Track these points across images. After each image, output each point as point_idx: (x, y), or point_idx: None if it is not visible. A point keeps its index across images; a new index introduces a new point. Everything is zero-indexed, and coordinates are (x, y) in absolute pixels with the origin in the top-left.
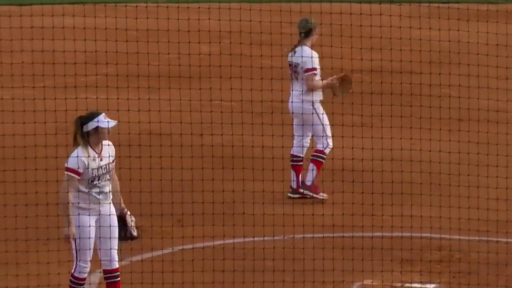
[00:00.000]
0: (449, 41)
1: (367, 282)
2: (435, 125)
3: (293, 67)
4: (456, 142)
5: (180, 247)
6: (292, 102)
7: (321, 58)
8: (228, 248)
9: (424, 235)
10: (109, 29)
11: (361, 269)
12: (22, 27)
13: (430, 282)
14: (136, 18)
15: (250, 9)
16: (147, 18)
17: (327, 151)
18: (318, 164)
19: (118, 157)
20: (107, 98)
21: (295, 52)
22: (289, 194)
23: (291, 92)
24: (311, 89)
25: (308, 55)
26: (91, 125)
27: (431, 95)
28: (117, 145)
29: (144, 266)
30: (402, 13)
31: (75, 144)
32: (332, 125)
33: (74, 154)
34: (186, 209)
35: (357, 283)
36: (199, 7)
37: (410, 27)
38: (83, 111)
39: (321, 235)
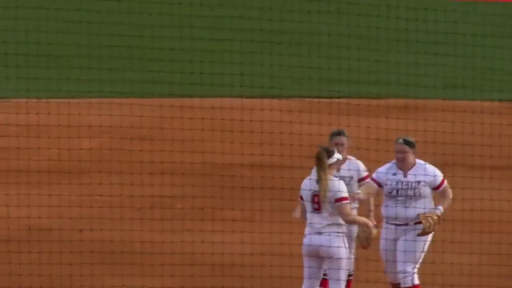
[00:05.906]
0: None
1: None
2: None
3: None
4: None
5: None
6: None
7: (202, 153)
8: None
9: None
10: None
11: None
12: None
13: None
14: (17, 114)
15: (131, 104)
16: (28, 113)
17: None
18: None
19: None
20: None
21: None
22: None
23: None
24: None
25: None
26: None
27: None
28: None
29: None
30: (282, 108)
31: None
32: (213, 220)
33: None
34: None
35: None
36: (79, 102)
37: (291, 122)
38: None
39: None
